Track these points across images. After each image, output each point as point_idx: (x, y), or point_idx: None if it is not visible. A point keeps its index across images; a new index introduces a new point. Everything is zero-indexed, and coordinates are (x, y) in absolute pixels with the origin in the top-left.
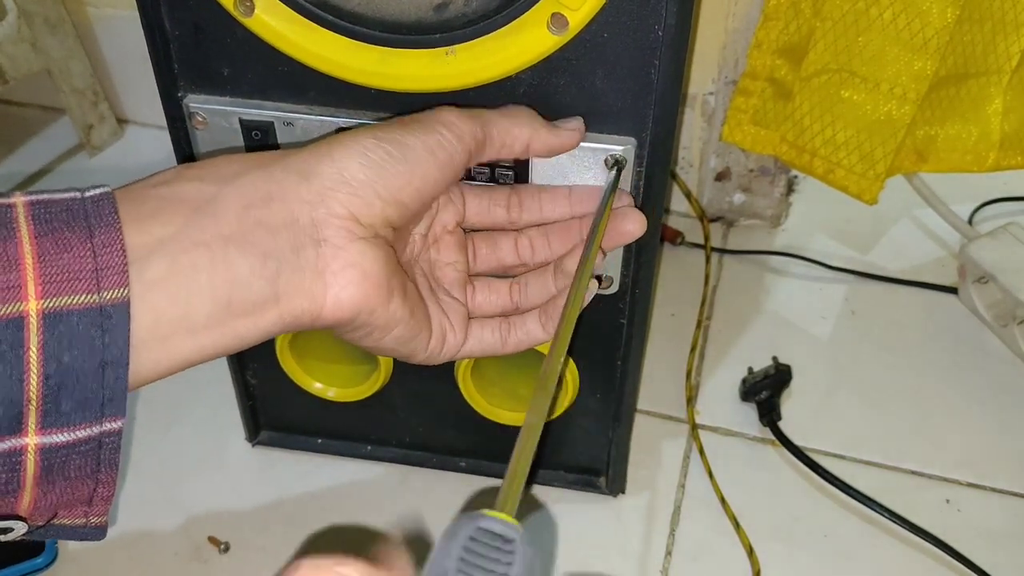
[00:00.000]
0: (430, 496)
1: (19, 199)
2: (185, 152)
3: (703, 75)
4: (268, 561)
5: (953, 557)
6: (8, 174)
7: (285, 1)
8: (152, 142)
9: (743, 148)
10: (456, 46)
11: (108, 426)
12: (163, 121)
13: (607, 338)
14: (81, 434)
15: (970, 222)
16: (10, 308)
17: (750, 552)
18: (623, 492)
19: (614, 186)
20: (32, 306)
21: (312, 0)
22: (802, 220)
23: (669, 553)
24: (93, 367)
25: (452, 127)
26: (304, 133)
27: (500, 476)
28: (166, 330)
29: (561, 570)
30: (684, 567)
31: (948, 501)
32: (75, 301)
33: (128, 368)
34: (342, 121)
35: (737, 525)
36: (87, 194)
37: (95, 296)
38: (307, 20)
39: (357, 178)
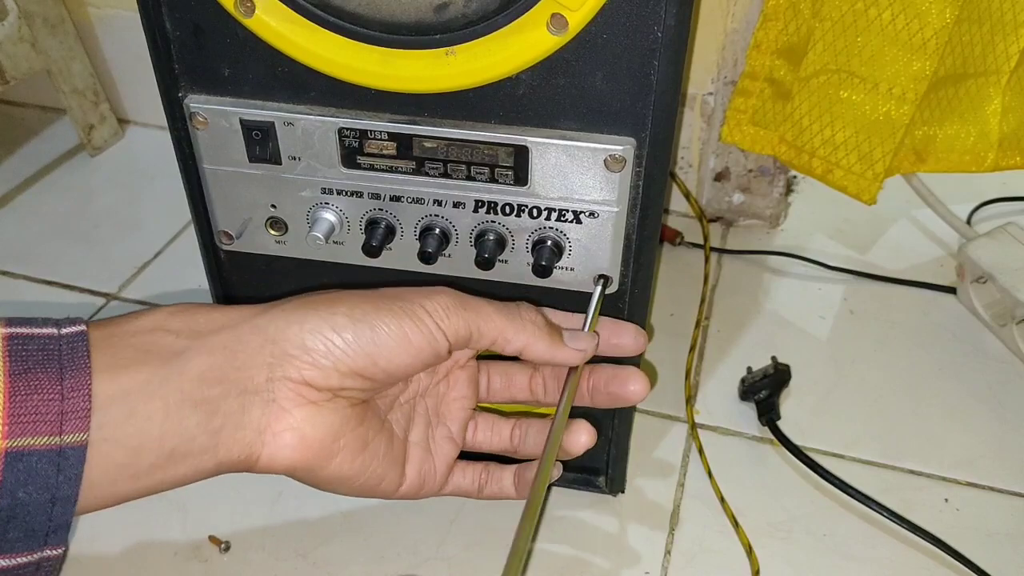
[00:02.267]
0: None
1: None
2: (185, 152)
3: (702, 75)
4: (268, 561)
5: (952, 556)
6: (8, 174)
7: (285, 1)
8: (152, 142)
9: (742, 148)
10: (456, 46)
11: (48, 553)
12: (163, 121)
13: None
14: (22, 560)
15: (969, 222)
16: None
17: (749, 551)
18: (623, 491)
19: (596, 309)
20: None
21: (312, 0)
22: (801, 220)
23: (668, 552)
24: (43, 502)
25: (435, 316)
26: (304, 133)
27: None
28: (114, 475)
29: (560, 571)
30: (683, 566)
31: (947, 500)
32: (37, 442)
33: (75, 505)
34: (343, 121)
35: (736, 524)
36: (64, 331)
37: (56, 439)
38: (307, 20)
39: (318, 350)
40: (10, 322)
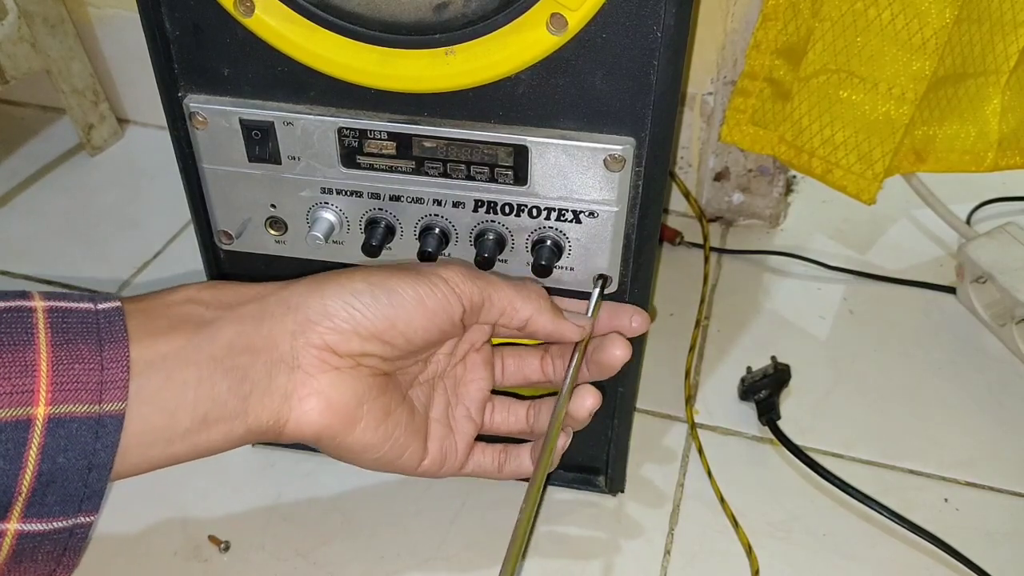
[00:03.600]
0: (429, 494)
1: (39, 303)
2: (185, 152)
3: (702, 75)
4: (268, 561)
5: (951, 556)
6: (8, 174)
7: (285, 1)
8: (152, 142)
9: (742, 148)
10: (456, 46)
11: (82, 519)
12: (163, 121)
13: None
14: (57, 525)
15: (968, 222)
16: (20, 411)
17: (749, 551)
18: (622, 491)
19: (596, 306)
20: (40, 411)
21: (312, 0)
22: (800, 220)
23: (668, 552)
24: (81, 468)
25: (450, 281)
26: (304, 133)
27: (497, 476)
28: (149, 439)
29: (560, 570)
30: (683, 566)
31: (946, 500)
32: (78, 410)
33: (111, 472)
34: (342, 121)
35: (736, 524)
36: (100, 306)
37: (96, 407)
38: (307, 20)
39: (339, 315)
40: (49, 296)
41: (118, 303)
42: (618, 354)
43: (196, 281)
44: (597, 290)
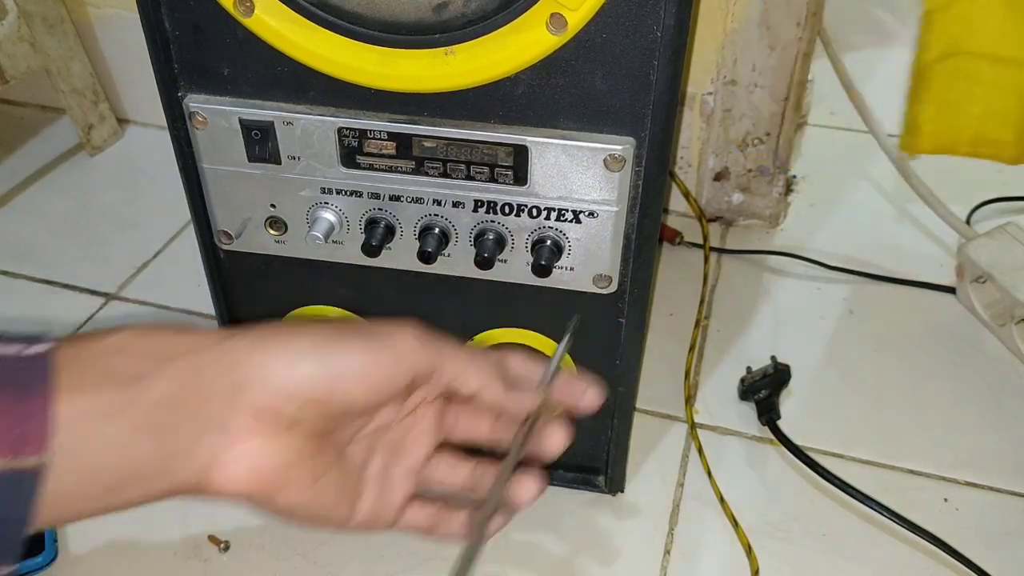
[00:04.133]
0: None
1: None
2: (185, 151)
3: (702, 75)
4: (268, 561)
5: (951, 555)
6: (8, 174)
7: (285, 1)
8: (152, 142)
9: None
10: (456, 46)
11: None
12: (163, 121)
13: (605, 337)
14: None
15: (968, 222)
16: None
17: (748, 550)
18: (622, 491)
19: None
20: None
21: (312, 0)
22: (800, 220)
23: (668, 552)
24: None
25: (400, 348)
26: (304, 133)
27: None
28: (69, 495)
29: (559, 570)
30: (683, 566)
31: (946, 500)
32: None
33: (27, 527)
34: (342, 121)
35: (736, 524)
36: (28, 351)
37: (14, 461)
38: (307, 20)
39: (278, 377)
40: None
41: (48, 347)
42: (554, 446)
43: (136, 322)
44: (556, 357)
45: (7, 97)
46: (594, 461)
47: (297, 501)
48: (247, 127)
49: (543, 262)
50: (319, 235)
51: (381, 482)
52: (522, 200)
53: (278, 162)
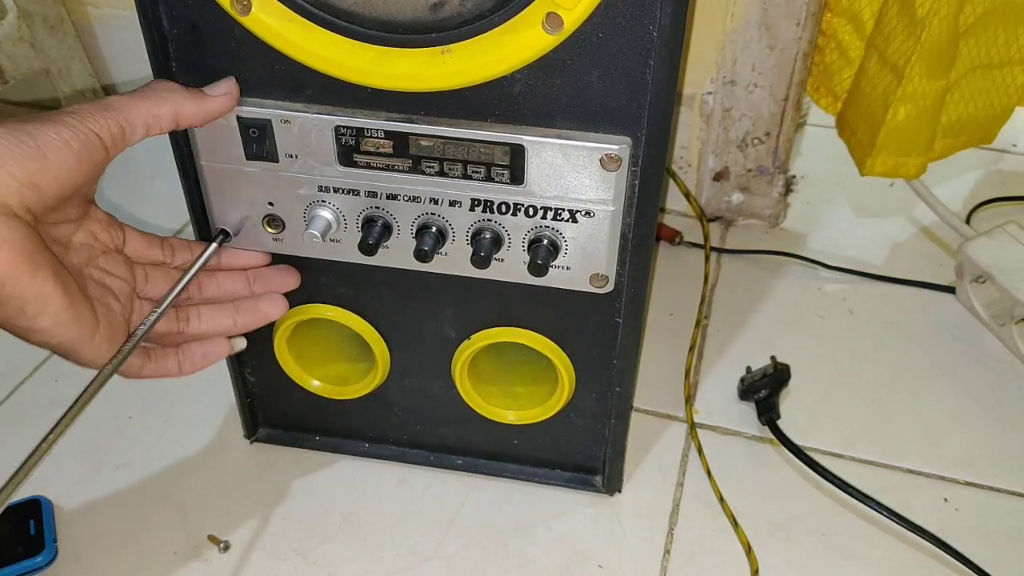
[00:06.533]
0: (428, 494)
1: None
2: (183, 150)
3: (702, 75)
4: (268, 561)
5: (951, 555)
6: None
7: (282, 0)
8: (151, 141)
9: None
10: (452, 45)
11: None
12: None
13: (602, 336)
14: None
15: (968, 222)
16: None
17: (748, 550)
18: (619, 491)
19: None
20: None
21: None
22: (800, 220)
23: (667, 552)
24: None
25: (82, 121)
26: (301, 131)
27: (497, 474)
28: None
29: (559, 570)
30: (683, 566)
31: (946, 500)
32: None
33: None
34: (339, 119)
35: (735, 523)
36: None
37: None
38: (304, 19)
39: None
40: None
41: None
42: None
43: None
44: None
45: (7, 97)
46: (591, 461)
47: (52, 289)
48: (245, 125)
49: (540, 261)
50: (317, 233)
51: (107, 305)
52: (519, 199)
53: (276, 160)
